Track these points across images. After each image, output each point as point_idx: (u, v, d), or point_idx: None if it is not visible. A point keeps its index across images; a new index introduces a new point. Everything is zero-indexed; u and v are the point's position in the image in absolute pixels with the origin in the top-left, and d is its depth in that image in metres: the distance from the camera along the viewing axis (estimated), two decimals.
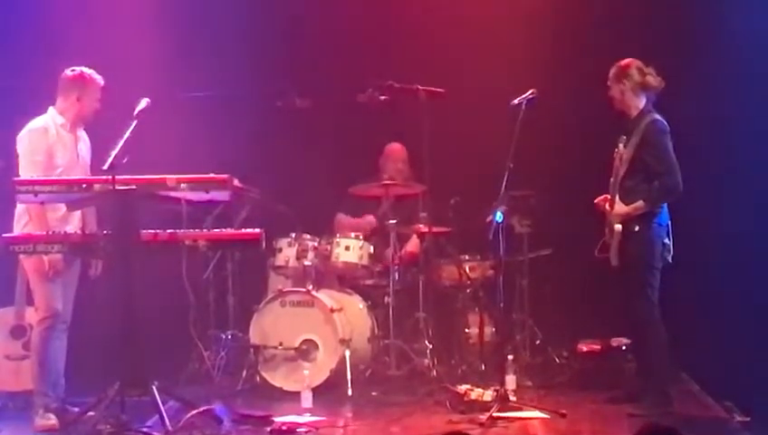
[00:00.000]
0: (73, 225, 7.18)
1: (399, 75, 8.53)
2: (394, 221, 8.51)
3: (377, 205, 8.88)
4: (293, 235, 8.41)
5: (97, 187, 6.79)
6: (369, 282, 8.76)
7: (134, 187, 6.72)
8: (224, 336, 8.44)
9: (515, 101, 7.57)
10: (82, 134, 7.35)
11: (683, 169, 7.17)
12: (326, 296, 8.23)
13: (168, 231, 6.78)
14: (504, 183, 7.43)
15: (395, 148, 9.12)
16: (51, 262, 7.01)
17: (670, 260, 7.25)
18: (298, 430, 6.84)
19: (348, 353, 8.01)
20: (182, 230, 6.76)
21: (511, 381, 7.57)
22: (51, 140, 7.12)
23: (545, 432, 6.83)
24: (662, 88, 7.28)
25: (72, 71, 7.24)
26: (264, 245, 7.00)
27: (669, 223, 7.25)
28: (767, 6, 8.38)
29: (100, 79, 7.26)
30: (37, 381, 7.10)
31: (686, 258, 7.46)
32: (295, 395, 7.64)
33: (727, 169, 8.60)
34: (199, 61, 9.10)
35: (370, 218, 8.93)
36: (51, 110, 7.23)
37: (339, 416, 7.36)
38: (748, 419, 6.89)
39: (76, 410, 7.02)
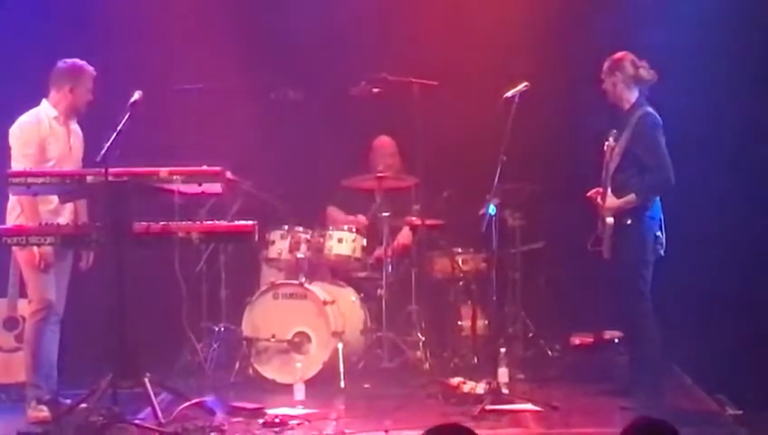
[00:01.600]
0: (65, 217, 7.17)
1: (392, 68, 8.53)
2: (386, 214, 8.51)
3: (369, 197, 8.87)
4: (286, 227, 8.40)
5: (90, 179, 6.78)
6: (361, 274, 8.76)
7: (126, 179, 6.71)
8: (216, 329, 8.44)
9: (508, 94, 7.57)
10: (75, 127, 7.34)
11: (674, 162, 7.16)
12: (319, 289, 8.23)
13: (161, 223, 6.76)
14: (497, 176, 7.44)
15: (383, 141, 9.12)
16: (41, 253, 7.00)
17: (662, 254, 7.25)
18: (290, 422, 6.82)
19: (340, 346, 8.01)
20: (175, 222, 6.75)
21: (503, 373, 7.56)
22: (43, 133, 7.12)
23: (537, 425, 6.83)
24: (655, 81, 7.28)
25: (65, 62, 7.25)
26: (256, 237, 6.99)
27: (662, 216, 7.25)
28: None
29: (92, 70, 7.26)
30: (30, 373, 7.09)
31: (679, 252, 7.46)
32: (288, 387, 7.65)
33: (718, 163, 8.62)
34: (192, 53, 9.07)
35: (361, 218, 8.93)
36: (44, 102, 7.22)
37: (331, 408, 7.36)
38: (740, 412, 6.90)
39: (68, 401, 7.00)
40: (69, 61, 7.25)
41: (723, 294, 8.42)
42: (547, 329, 8.80)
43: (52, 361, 7.15)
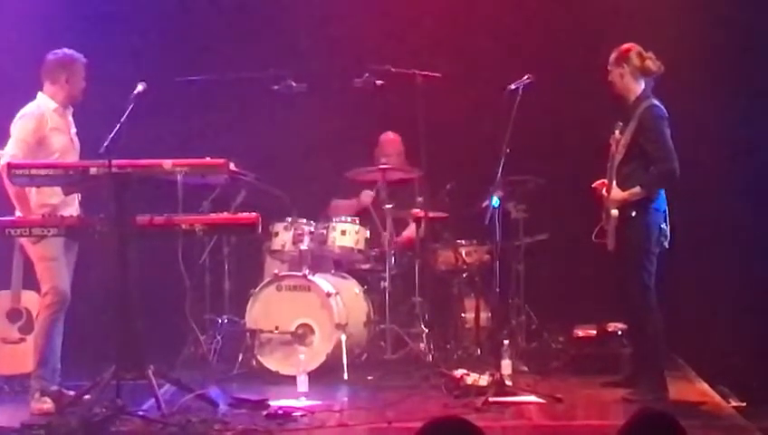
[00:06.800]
0: (73, 208, 7.17)
1: (396, 60, 8.51)
2: (390, 206, 8.51)
3: (373, 189, 8.87)
4: (290, 219, 8.40)
5: (93, 170, 6.76)
6: (365, 266, 8.76)
7: (130, 170, 6.70)
8: (220, 320, 8.44)
9: (512, 86, 7.57)
10: (71, 118, 7.32)
11: (680, 155, 7.15)
12: (322, 281, 8.22)
13: (164, 215, 6.76)
14: (501, 168, 7.43)
15: (389, 138, 9.09)
16: None
17: (667, 246, 7.24)
18: (294, 414, 6.82)
19: (344, 338, 8.01)
20: (178, 214, 6.75)
21: (507, 365, 7.56)
22: (49, 125, 7.09)
23: (541, 417, 6.83)
24: (661, 73, 7.26)
25: (55, 53, 7.21)
26: (260, 229, 6.98)
27: (667, 208, 7.24)
28: None
29: (82, 57, 7.24)
30: (37, 365, 7.07)
31: (684, 244, 7.46)
32: (291, 379, 7.65)
33: (724, 155, 8.61)
34: (195, 45, 9.08)
35: (367, 192, 8.90)
36: (40, 95, 7.18)
37: (334, 400, 7.36)
38: (743, 404, 6.91)
39: (72, 393, 7.01)
40: (59, 52, 7.21)
41: (727, 285, 8.41)
42: (550, 321, 8.79)
43: (57, 353, 7.15)
